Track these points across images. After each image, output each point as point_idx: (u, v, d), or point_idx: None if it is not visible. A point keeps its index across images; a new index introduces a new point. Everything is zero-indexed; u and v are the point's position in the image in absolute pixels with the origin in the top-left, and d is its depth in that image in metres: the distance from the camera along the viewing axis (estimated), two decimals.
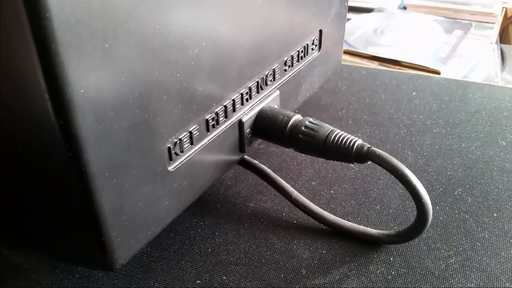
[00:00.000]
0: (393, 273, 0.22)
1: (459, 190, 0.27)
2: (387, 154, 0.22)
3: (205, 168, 0.22)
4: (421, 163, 0.29)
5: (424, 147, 0.30)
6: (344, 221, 0.24)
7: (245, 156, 0.26)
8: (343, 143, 0.22)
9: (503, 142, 0.30)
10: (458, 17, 0.59)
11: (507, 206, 0.25)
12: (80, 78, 0.14)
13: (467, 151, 0.29)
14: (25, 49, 0.13)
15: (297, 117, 0.24)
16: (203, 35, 0.19)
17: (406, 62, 0.47)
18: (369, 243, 0.24)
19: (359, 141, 0.22)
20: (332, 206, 0.26)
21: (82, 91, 0.14)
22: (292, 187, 0.26)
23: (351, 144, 0.22)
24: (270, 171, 0.26)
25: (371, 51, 0.50)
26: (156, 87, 0.17)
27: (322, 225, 0.25)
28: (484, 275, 0.22)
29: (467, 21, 0.57)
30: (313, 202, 0.25)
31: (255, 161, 0.26)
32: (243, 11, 0.21)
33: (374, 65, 0.49)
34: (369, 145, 0.22)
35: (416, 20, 0.57)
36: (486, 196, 0.26)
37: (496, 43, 0.58)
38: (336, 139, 0.23)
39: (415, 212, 0.22)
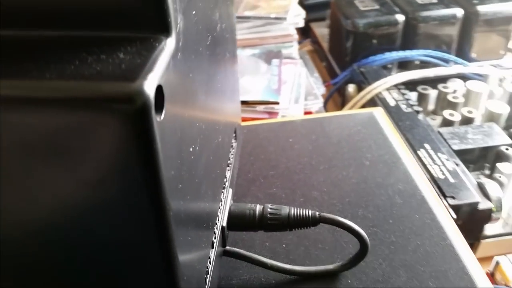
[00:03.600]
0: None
1: (360, 210, 0.37)
2: (333, 215, 0.31)
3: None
4: (326, 198, 0.39)
5: (322, 184, 0.40)
6: (308, 267, 0.33)
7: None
8: (300, 216, 0.30)
9: (367, 162, 0.42)
10: (264, 43, 0.70)
11: (393, 212, 0.37)
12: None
13: (348, 177, 0.40)
14: None
15: (258, 207, 0.31)
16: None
17: (252, 101, 0.56)
18: (330, 276, 0.33)
19: (311, 211, 0.31)
20: (291, 257, 0.34)
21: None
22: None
23: (306, 214, 0.31)
24: (243, 250, 0.33)
25: None
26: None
27: (293, 276, 0.33)
28: (406, 267, 0.33)
29: (272, 45, 0.69)
30: (277, 261, 0.33)
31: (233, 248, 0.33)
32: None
33: None
34: (318, 212, 0.31)
35: (241, 58, 0.67)
36: (378, 209, 0.37)
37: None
38: (295, 214, 0.31)
39: (348, 244, 0.31)
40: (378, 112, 0.47)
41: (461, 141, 0.62)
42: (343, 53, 0.79)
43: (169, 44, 0.18)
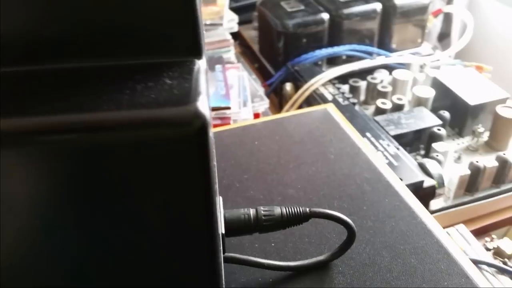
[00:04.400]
0: (347, 273, 0.34)
1: (335, 201, 0.40)
2: (322, 209, 0.33)
3: None
4: (302, 194, 0.40)
5: (295, 182, 0.42)
6: (301, 261, 0.34)
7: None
8: (293, 213, 0.32)
9: (332, 156, 0.44)
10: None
11: (365, 199, 0.40)
12: None
13: (318, 172, 0.42)
14: None
15: (252, 210, 0.32)
16: None
17: None
18: (323, 266, 0.34)
19: (301, 208, 0.32)
20: (281, 254, 0.35)
21: None
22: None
23: (298, 211, 0.32)
24: (239, 255, 0.33)
25: None
26: None
27: (288, 272, 0.34)
28: (388, 248, 0.35)
29: (210, 51, 0.69)
30: (270, 260, 0.34)
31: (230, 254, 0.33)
32: None
33: None
34: (307, 207, 0.32)
35: None
36: (351, 198, 0.40)
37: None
38: (287, 213, 0.32)
39: (332, 234, 0.33)
40: (331, 108, 0.50)
41: (396, 126, 0.67)
42: (275, 53, 0.81)
43: (202, 66, 0.18)
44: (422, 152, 0.67)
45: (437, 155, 0.63)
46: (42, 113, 0.15)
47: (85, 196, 0.16)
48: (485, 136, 0.68)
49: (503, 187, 0.62)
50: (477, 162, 0.60)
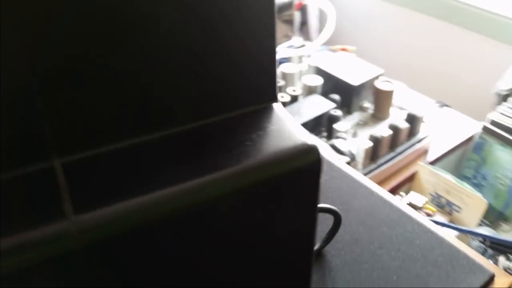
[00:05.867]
0: (339, 254, 0.38)
1: None
2: None
3: None
4: None
5: None
6: None
7: None
8: None
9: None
10: None
11: (327, 187, 0.44)
12: None
13: None
14: None
15: None
16: None
17: None
18: (316, 255, 0.38)
19: None
20: None
21: None
22: None
23: None
24: None
25: None
26: None
27: None
28: (363, 225, 0.41)
29: None
30: None
31: None
32: None
33: None
34: None
35: None
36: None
37: None
38: None
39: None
40: None
41: (300, 116, 0.73)
42: None
43: (280, 107, 0.21)
44: (325, 134, 0.75)
45: (341, 135, 0.70)
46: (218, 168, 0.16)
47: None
48: (371, 110, 0.78)
49: (398, 150, 0.72)
50: (375, 133, 0.69)
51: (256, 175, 0.18)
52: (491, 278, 0.36)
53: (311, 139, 0.19)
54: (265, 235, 0.20)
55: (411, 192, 0.68)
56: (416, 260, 0.38)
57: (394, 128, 0.70)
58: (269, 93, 0.20)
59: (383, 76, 0.78)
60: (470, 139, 0.79)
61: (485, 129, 0.74)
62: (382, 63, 0.83)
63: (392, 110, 0.77)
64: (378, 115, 0.77)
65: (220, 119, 0.19)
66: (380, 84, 0.76)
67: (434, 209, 0.68)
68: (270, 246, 0.22)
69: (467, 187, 0.68)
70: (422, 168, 0.72)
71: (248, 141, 0.18)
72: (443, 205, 0.70)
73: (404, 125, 0.71)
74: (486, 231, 0.65)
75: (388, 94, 0.75)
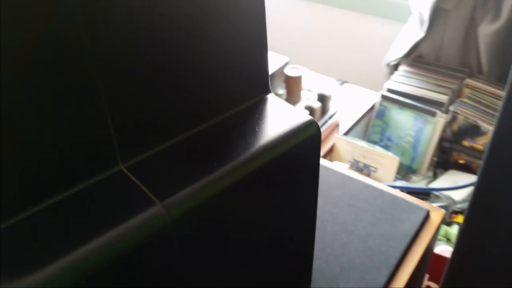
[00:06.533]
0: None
1: None
2: None
3: None
4: None
5: None
6: None
7: None
8: None
9: None
10: None
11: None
12: None
13: None
14: None
15: None
16: None
17: None
18: None
19: None
20: None
21: None
22: None
23: None
24: None
25: None
26: None
27: None
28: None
29: None
30: None
31: None
32: None
33: None
34: None
35: None
36: None
37: None
38: None
39: None
40: None
41: None
42: None
43: (274, 96, 0.26)
44: None
45: None
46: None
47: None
48: (284, 96, 0.85)
49: (326, 117, 0.80)
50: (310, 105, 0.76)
51: (275, 150, 0.22)
52: (428, 214, 0.44)
53: (308, 116, 0.24)
54: (277, 211, 0.25)
55: (334, 162, 0.76)
56: (366, 210, 0.44)
57: (309, 108, 0.78)
58: (265, 86, 0.25)
59: (289, 63, 0.86)
60: (372, 108, 0.89)
61: (384, 97, 0.84)
62: (284, 52, 0.90)
63: (303, 93, 0.85)
64: (292, 99, 0.84)
65: (226, 116, 0.23)
66: (289, 71, 0.83)
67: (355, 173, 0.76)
68: (280, 223, 0.26)
69: (378, 149, 0.77)
70: (338, 140, 0.80)
71: (257, 127, 0.23)
72: (362, 169, 0.80)
73: (317, 105, 0.79)
74: (401, 183, 0.76)
75: (298, 79, 0.82)
